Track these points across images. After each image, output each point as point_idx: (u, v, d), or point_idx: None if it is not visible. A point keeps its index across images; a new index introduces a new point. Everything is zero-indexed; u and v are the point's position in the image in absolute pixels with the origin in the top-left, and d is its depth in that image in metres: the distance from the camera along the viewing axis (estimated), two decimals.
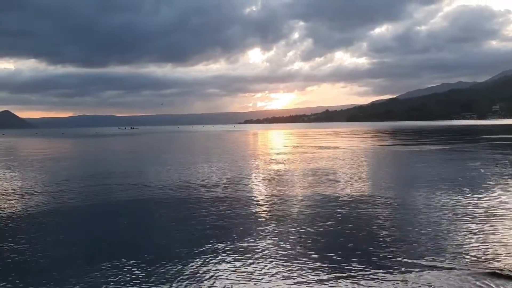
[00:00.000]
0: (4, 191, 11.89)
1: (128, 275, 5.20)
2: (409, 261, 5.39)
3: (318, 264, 5.38)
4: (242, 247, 6.15)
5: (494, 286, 4.57)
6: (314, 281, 4.83)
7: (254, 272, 5.18)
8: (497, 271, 4.94)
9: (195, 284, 4.87)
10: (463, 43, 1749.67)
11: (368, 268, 5.20)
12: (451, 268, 5.08)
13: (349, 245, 6.14)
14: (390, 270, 5.10)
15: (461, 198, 9.42)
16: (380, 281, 4.78)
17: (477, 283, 4.65)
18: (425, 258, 5.48)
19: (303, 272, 5.12)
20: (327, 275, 4.99)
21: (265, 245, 6.21)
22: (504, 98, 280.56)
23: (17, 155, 29.74)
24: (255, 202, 9.45)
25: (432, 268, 5.12)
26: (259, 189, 11.09)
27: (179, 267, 5.42)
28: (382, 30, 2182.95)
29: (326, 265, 5.33)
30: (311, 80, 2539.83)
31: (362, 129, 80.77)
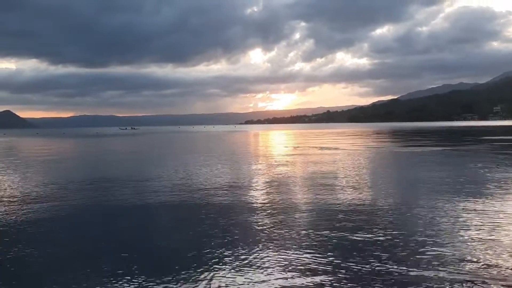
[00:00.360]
0: (6, 193, 11.85)
1: (128, 277, 5.15)
2: (414, 269, 5.32)
3: (319, 270, 5.32)
4: (243, 250, 6.10)
5: None
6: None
7: (254, 278, 5.12)
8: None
9: None
10: (464, 44, 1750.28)
11: (370, 275, 5.13)
12: (454, 277, 5.00)
13: (351, 251, 6.05)
14: (393, 278, 5.03)
15: (462, 202, 9.34)
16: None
17: None
18: (430, 265, 5.41)
19: (305, 277, 5.06)
20: (329, 281, 4.93)
21: (266, 253, 6.14)
22: (505, 99, 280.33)
23: (18, 155, 29.74)
24: (255, 207, 9.35)
25: (436, 277, 5.05)
26: (260, 194, 10.88)
27: (180, 272, 5.36)
28: (383, 31, 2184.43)
29: (328, 270, 5.27)
30: (312, 81, 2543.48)
31: (363, 130, 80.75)
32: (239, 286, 4.84)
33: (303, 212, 8.54)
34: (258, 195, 10.60)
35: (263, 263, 5.53)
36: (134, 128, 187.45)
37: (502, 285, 4.69)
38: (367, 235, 6.64)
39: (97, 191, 11.88)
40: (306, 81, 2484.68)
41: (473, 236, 6.55)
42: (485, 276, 4.94)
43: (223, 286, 4.83)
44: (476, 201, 9.27)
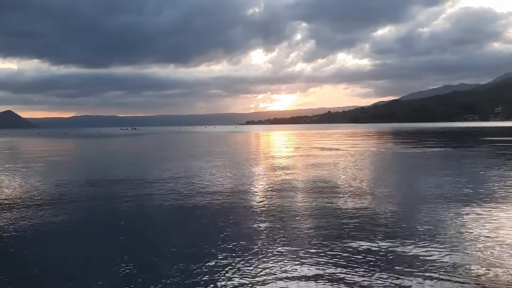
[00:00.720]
0: (8, 196, 11.91)
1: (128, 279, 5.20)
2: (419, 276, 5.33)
3: (319, 278, 5.34)
4: (243, 257, 6.12)
5: None
6: None
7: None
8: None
9: None
10: (466, 45, 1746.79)
11: (371, 285, 5.13)
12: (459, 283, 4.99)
13: (354, 258, 6.02)
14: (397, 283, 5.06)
15: (464, 205, 9.36)
16: None
17: None
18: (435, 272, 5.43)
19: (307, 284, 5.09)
20: None
21: (267, 263, 6.16)
22: (506, 100, 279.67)
23: (20, 156, 29.79)
24: (257, 212, 9.31)
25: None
26: (261, 197, 10.76)
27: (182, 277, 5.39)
28: (384, 31, 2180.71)
29: (328, 277, 5.28)
30: (313, 81, 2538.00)
31: (364, 131, 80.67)
32: None
33: (305, 217, 8.55)
34: (259, 199, 10.53)
35: (264, 270, 5.55)
36: (134, 129, 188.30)
37: None
38: (368, 243, 6.50)
39: (101, 194, 11.92)
40: (307, 82, 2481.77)
41: (478, 240, 6.58)
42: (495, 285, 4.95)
43: None
44: (478, 203, 9.29)
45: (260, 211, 8.82)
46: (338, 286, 4.79)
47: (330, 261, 5.60)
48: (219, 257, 5.82)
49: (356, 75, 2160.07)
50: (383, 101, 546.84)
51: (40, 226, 7.80)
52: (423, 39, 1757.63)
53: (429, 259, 5.59)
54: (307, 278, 5.04)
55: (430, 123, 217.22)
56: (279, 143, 40.97)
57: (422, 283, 4.81)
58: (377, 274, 5.09)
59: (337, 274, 5.13)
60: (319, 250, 6.04)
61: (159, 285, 4.93)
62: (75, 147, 40.56)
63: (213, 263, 5.61)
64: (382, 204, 9.26)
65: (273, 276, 5.10)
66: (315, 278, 5.03)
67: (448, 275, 5.02)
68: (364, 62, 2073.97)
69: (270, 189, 11.67)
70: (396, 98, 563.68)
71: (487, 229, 7.03)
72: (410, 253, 5.84)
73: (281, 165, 17.85)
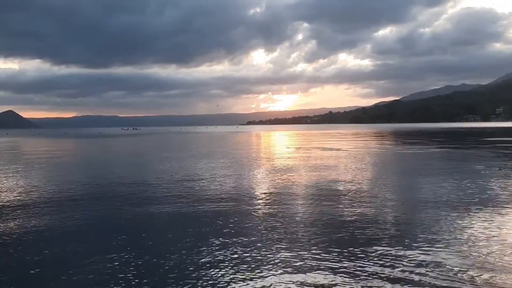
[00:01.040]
0: (8, 196, 11.92)
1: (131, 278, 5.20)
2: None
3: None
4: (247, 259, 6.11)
5: None
6: None
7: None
8: None
9: None
10: (467, 46, 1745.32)
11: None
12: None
13: (359, 266, 6.00)
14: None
15: (465, 209, 9.33)
16: None
17: None
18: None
19: None
20: None
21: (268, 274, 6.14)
22: (507, 101, 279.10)
23: (21, 156, 29.81)
24: (258, 215, 9.28)
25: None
26: (264, 201, 10.60)
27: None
28: (386, 32, 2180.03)
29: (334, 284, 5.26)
30: (315, 82, 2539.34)
31: (366, 131, 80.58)
32: None
33: (307, 221, 8.54)
34: (260, 202, 10.49)
35: (265, 276, 5.54)
36: (135, 129, 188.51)
37: None
38: (370, 247, 6.43)
39: (104, 197, 11.92)
40: (308, 82, 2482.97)
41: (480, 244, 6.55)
42: None
43: None
44: (481, 207, 9.26)
45: (261, 214, 8.80)
46: None
47: (333, 266, 5.59)
48: (219, 259, 5.83)
49: (357, 76, 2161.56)
50: (384, 102, 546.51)
51: (40, 227, 7.80)
52: (424, 40, 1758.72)
53: (432, 264, 5.56)
54: (309, 285, 5.03)
55: (431, 123, 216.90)
56: (280, 144, 40.94)
57: None
58: (380, 281, 5.08)
59: (339, 281, 5.13)
60: (322, 256, 6.04)
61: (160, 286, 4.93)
62: (76, 147, 40.56)
63: (212, 269, 5.61)
64: (384, 208, 9.20)
65: (275, 281, 5.10)
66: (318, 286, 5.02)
67: (450, 280, 5.02)
68: (365, 63, 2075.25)
69: (271, 191, 11.66)
70: (397, 98, 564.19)
71: (491, 232, 7.00)
72: (412, 258, 5.82)
73: (282, 166, 17.83)
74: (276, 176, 14.37)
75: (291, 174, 14.85)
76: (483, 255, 5.78)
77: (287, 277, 5.10)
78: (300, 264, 5.53)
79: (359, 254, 5.92)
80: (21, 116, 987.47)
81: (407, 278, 5.01)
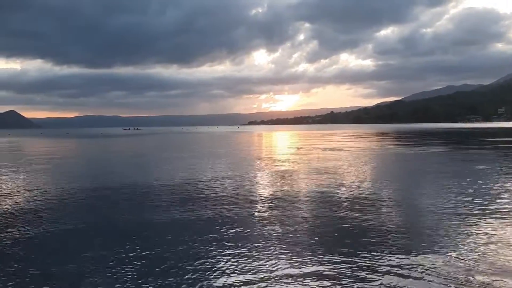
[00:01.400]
0: (9, 196, 11.90)
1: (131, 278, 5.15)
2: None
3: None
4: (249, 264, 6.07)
5: None
6: None
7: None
8: None
9: None
10: (469, 46, 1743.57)
11: None
12: None
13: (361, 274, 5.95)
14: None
15: (471, 216, 9.27)
16: None
17: None
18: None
19: None
20: None
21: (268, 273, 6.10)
22: (509, 101, 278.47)
23: (23, 157, 29.85)
24: (259, 220, 9.25)
25: None
26: (265, 203, 10.56)
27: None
28: (387, 32, 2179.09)
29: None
30: (316, 82, 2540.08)
31: (367, 131, 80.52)
32: None
33: (308, 224, 8.51)
34: (261, 205, 10.47)
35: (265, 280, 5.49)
36: (137, 129, 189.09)
37: None
38: (371, 254, 6.38)
39: (106, 199, 11.91)
40: (310, 82, 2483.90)
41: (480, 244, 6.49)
42: None
43: None
44: (484, 210, 9.20)
45: (262, 217, 8.75)
46: None
47: (333, 272, 5.54)
48: (219, 260, 5.78)
49: (359, 76, 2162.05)
50: (386, 102, 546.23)
51: (40, 227, 7.76)
52: (426, 40, 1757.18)
53: (434, 269, 5.50)
54: None
55: (433, 123, 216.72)
56: (282, 144, 40.91)
57: None
58: (383, 287, 5.02)
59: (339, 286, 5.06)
60: (323, 261, 5.98)
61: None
62: (77, 148, 40.61)
63: (213, 271, 5.56)
64: (386, 211, 9.14)
65: (275, 286, 5.05)
66: None
67: (455, 285, 4.95)
68: (367, 63, 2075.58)
69: (272, 193, 11.61)
70: (399, 98, 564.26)
71: (496, 235, 6.95)
72: (414, 263, 5.77)
73: (283, 167, 17.79)
74: (278, 178, 14.32)
75: (293, 176, 14.81)
76: (489, 258, 5.72)
77: (287, 282, 5.05)
78: (300, 269, 5.47)
79: (360, 260, 5.85)
80: (23, 116, 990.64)
81: (411, 284, 4.95)
